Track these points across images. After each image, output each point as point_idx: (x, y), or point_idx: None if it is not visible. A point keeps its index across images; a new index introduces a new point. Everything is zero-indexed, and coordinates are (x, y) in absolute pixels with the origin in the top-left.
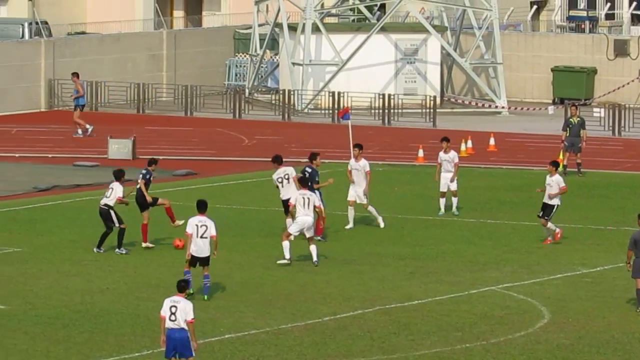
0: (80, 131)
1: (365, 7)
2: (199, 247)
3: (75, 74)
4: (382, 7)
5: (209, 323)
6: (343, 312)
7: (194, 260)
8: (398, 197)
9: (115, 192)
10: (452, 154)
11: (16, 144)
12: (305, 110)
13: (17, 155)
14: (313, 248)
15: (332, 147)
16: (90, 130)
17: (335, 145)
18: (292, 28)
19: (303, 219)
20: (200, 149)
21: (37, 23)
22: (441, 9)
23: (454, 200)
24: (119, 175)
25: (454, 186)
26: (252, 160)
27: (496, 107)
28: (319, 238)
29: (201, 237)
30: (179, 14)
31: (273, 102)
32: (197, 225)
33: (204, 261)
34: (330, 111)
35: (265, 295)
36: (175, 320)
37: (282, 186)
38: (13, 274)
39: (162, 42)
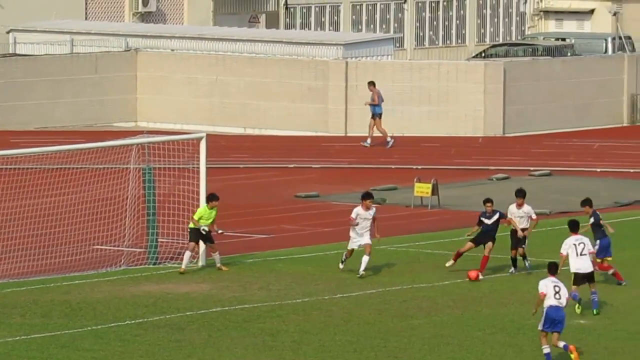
0: (368, 141)
1: None
2: (581, 265)
3: (372, 83)
4: None
5: None
6: None
7: (579, 278)
8: None
9: None
10: None
11: (598, 158)
12: None
13: (598, 170)
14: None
15: None
16: (390, 142)
17: None
18: None
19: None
20: None
21: (620, 38)
22: None
23: None
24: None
25: None
26: None
27: None
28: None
29: (581, 254)
30: None
31: None
32: (575, 245)
33: (590, 278)
34: None
35: None
36: (560, 298)
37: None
38: None
39: None
